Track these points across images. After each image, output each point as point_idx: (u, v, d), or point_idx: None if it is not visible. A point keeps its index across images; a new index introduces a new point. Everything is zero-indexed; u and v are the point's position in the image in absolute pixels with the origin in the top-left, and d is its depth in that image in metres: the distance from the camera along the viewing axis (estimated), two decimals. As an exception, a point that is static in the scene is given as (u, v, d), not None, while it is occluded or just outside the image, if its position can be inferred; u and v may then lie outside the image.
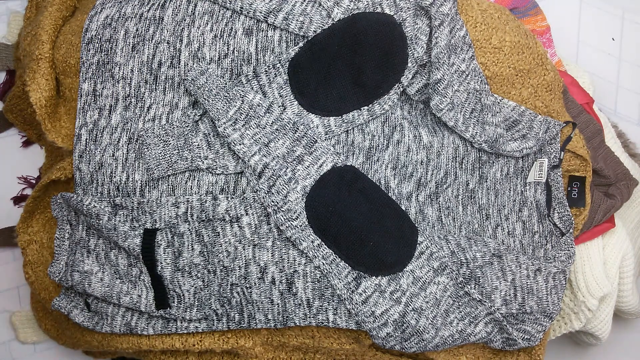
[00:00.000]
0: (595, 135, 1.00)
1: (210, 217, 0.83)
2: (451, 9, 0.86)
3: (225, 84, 0.83)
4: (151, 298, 0.85)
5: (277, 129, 0.83)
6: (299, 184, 0.83)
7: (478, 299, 0.86)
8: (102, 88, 0.87)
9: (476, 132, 0.88)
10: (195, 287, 0.85)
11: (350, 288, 0.83)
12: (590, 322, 0.99)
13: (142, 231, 0.84)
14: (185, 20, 0.86)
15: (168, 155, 0.84)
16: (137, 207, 0.84)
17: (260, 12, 0.84)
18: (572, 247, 0.93)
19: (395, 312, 0.83)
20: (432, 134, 0.88)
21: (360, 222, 0.83)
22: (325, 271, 0.83)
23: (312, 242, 0.82)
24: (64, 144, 0.88)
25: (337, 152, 0.84)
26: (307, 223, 0.82)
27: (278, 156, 0.83)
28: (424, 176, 0.88)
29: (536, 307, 0.90)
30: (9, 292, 1.05)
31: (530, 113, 0.92)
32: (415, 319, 0.83)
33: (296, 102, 0.84)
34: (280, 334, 0.88)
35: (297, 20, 0.84)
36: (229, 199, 0.83)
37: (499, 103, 0.91)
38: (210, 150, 0.84)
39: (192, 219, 0.83)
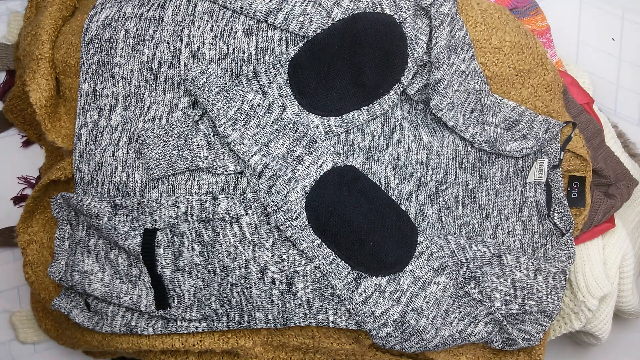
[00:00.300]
0: (595, 135, 1.00)
1: (210, 217, 0.83)
2: (451, 9, 0.86)
3: (225, 84, 0.83)
4: (151, 298, 0.85)
5: (277, 129, 0.83)
6: (299, 184, 0.83)
7: (478, 299, 0.86)
8: (102, 88, 0.87)
9: (476, 132, 0.88)
10: (195, 287, 0.85)
11: (350, 288, 0.83)
12: (590, 322, 0.99)
13: (142, 231, 0.84)
14: (185, 20, 0.86)
15: (168, 155, 0.84)
16: (137, 207, 0.84)
17: (260, 12, 0.84)
18: (572, 247, 0.93)
19: (395, 312, 0.83)
20: (432, 134, 0.88)
21: (360, 222, 0.83)
22: (325, 271, 0.83)
23: (312, 242, 0.82)
24: (64, 144, 0.88)
25: (337, 152, 0.84)
26: (307, 223, 0.82)
27: (278, 156, 0.83)
28: (424, 176, 0.88)
29: (536, 307, 0.90)
30: (9, 292, 1.05)
31: (530, 113, 0.92)
32: (415, 319, 0.83)
33: (296, 102, 0.84)
34: (280, 334, 0.88)
35: (297, 20, 0.84)
36: (229, 199, 0.83)
37: (499, 103, 0.91)
38: (210, 150, 0.84)
39: (192, 219, 0.83)
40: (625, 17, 1.16)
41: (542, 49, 0.93)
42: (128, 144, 0.85)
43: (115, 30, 0.87)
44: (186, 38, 0.85)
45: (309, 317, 0.84)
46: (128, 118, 0.86)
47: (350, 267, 0.83)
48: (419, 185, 0.88)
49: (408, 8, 0.85)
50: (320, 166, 0.83)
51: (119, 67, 0.86)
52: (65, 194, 0.87)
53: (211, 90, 0.82)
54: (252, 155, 0.82)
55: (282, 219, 0.82)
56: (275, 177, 0.82)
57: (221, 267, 0.84)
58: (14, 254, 1.04)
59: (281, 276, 0.83)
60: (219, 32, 0.85)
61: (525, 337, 0.90)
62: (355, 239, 0.83)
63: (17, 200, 1.04)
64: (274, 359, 0.90)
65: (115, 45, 0.87)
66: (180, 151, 0.84)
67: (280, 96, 0.84)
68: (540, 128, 0.92)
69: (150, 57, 0.86)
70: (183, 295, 0.85)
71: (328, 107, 0.84)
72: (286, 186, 0.82)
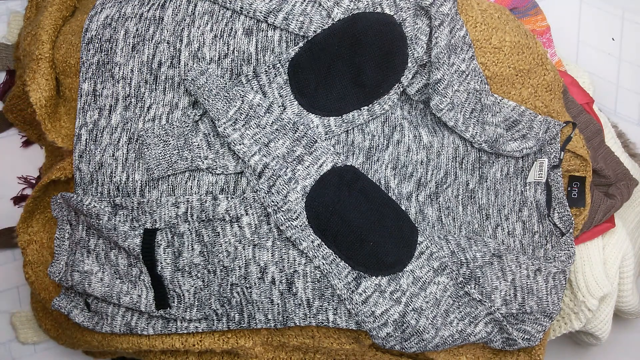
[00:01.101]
0: (595, 135, 1.00)
1: (210, 217, 0.83)
2: (451, 9, 0.86)
3: (225, 84, 0.83)
4: (151, 298, 0.85)
5: (277, 129, 0.83)
6: (299, 184, 0.83)
7: (478, 299, 0.86)
8: (102, 88, 0.87)
9: (476, 132, 0.88)
10: (195, 287, 0.85)
11: (350, 288, 0.83)
12: (590, 322, 0.99)
13: (142, 231, 0.84)
14: (185, 20, 0.86)
15: (168, 155, 0.84)
16: (137, 207, 0.84)
17: (260, 12, 0.84)
18: (572, 247, 0.93)
19: (395, 312, 0.83)
20: (432, 134, 0.88)
21: (360, 222, 0.83)
22: (325, 271, 0.83)
23: (312, 242, 0.82)
24: (64, 144, 0.88)
25: (337, 152, 0.84)
26: (307, 223, 0.82)
27: (278, 156, 0.83)
28: (424, 176, 0.88)
29: (536, 307, 0.90)
30: (9, 292, 1.05)
31: (530, 113, 0.92)
32: (415, 319, 0.83)
33: (296, 102, 0.84)
34: (280, 334, 0.88)
35: (297, 20, 0.84)
36: (229, 199, 0.83)
37: (499, 103, 0.91)
38: (210, 150, 0.84)
39: (192, 219, 0.83)
40: (625, 17, 1.16)
41: (542, 49, 0.93)
42: (128, 144, 0.85)
43: (115, 30, 0.87)
44: (186, 38, 0.85)
45: (309, 317, 0.84)
46: (128, 118, 0.86)
47: (350, 267, 0.83)
48: (419, 185, 0.88)
49: (408, 8, 0.85)
50: (320, 166, 0.83)
51: (119, 67, 0.86)
52: (65, 194, 0.87)
53: (211, 90, 0.82)
54: (252, 155, 0.82)
55: (282, 219, 0.82)
56: (275, 177, 0.82)
57: (221, 267, 0.84)
58: (14, 254, 1.04)
59: (281, 276, 0.83)
60: (219, 32, 0.85)
61: (525, 337, 0.90)
62: (355, 239, 0.83)
63: (17, 200, 1.04)
64: (274, 359, 0.90)
65: (115, 45, 0.87)
66: (180, 151, 0.84)
67: (280, 96, 0.84)
68: (540, 128, 0.92)
69: (150, 57, 0.86)
70: (183, 295, 0.85)
71: (328, 107, 0.84)
72: (286, 186, 0.82)
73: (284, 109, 0.84)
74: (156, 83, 0.86)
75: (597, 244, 1.00)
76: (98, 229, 0.85)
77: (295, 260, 0.83)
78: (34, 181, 1.04)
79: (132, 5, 0.88)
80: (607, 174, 0.99)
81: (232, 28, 0.85)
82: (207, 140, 0.84)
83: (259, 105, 0.83)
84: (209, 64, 0.84)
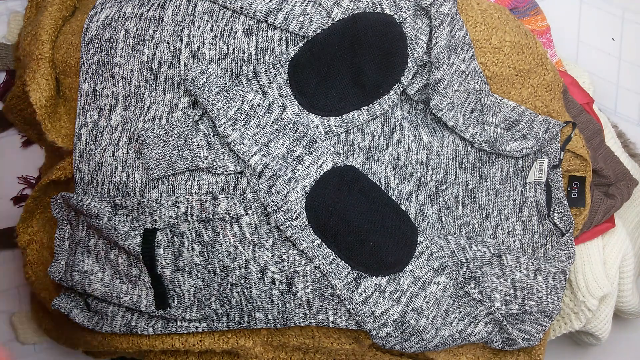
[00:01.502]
0: (595, 135, 1.00)
1: (210, 217, 0.83)
2: (451, 9, 0.86)
3: (225, 84, 0.83)
4: (151, 298, 0.85)
5: (277, 129, 0.83)
6: (299, 184, 0.83)
7: (478, 299, 0.86)
8: (102, 88, 0.87)
9: (476, 132, 0.88)
10: (195, 287, 0.85)
11: (350, 288, 0.83)
12: (590, 322, 0.99)
13: (142, 231, 0.84)
14: (185, 20, 0.86)
15: (168, 155, 0.84)
16: (137, 207, 0.84)
17: (260, 12, 0.84)
18: (572, 247, 0.93)
19: (395, 312, 0.83)
20: (432, 134, 0.88)
21: (360, 222, 0.83)
22: (325, 271, 0.83)
23: (312, 242, 0.82)
24: (64, 144, 0.88)
25: (337, 152, 0.84)
26: (307, 223, 0.82)
27: (278, 156, 0.83)
28: (424, 176, 0.88)
29: (536, 307, 0.90)
30: (9, 292, 1.05)
31: (530, 113, 0.92)
32: (415, 319, 0.84)
33: (296, 102, 0.84)
34: (280, 334, 0.88)
35: (297, 20, 0.84)
36: (229, 199, 0.83)
37: (499, 103, 0.91)
38: (210, 150, 0.84)
39: (192, 218, 0.83)
40: (625, 17, 1.16)
41: (542, 49, 0.93)
42: (128, 144, 0.85)
43: (115, 30, 0.87)
44: (186, 38, 0.85)
45: (309, 317, 0.84)
46: (128, 118, 0.86)
47: (350, 267, 0.83)
48: (419, 185, 0.88)
49: (408, 8, 0.85)
50: (320, 166, 0.83)
51: (119, 67, 0.86)
52: (65, 194, 0.87)
53: (211, 90, 0.82)
54: (252, 155, 0.82)
55: (282, 219, 0.82)
56: (275, 177, 0.82)
57: (221, 267, 0.84)
58: (14, 254, 1.04)
59: (281, 276, 0.83)
60: (219, 32, 0.85)
61: (525, 337, 0.90)
62: (355, 239, 0.83)
63: (17, 200, 1.04)
64: (274, 359, 0.90)
65: (115, 45, 0.87)
66: (180, 151, 0.84)
67: (280, 96, 0.84)
68: (540, 128, 0.92)
69: (150, 57, 0.86)
70: (183, 295, 0.85)
71: (328, 107, 0.84)
72: (286, 186, 0.82)
73: (284, 109, 0.84)
74: (156, 83, 0.86)
75: (597, 244, 1.00)
76: (98, 229, 0.85)
77: (295, 260, 0.83)
78: (34, 181, 1.04)
79: (132, 5, 0.88)
80: (607, 174, 0.99)
81: (232, 28, 0.85)
82: (207, 140, 0.84)
83: (259, 105, 0.83)
84: (209, 64, 0.84)
